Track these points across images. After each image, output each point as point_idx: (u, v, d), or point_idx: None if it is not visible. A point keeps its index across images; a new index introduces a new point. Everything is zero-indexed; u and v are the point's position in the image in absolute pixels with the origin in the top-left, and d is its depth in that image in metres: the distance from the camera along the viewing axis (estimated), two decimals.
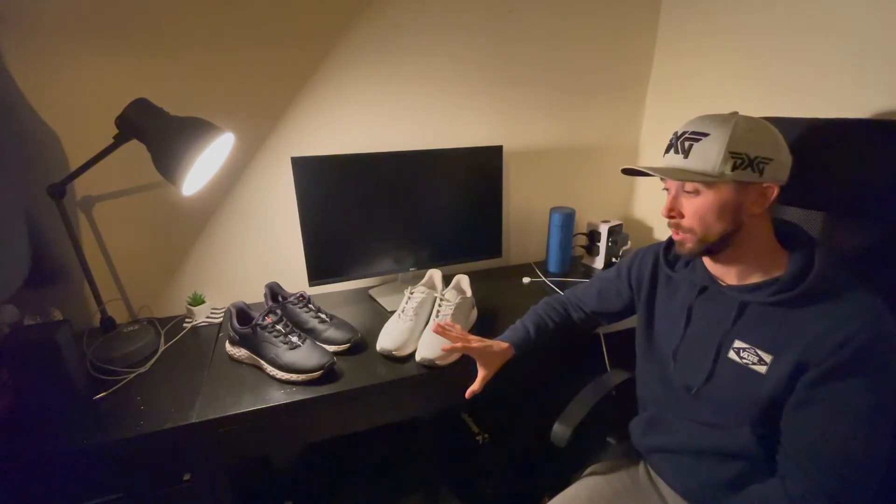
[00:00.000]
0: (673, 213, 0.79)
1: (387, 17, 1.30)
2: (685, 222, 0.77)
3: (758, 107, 0.76)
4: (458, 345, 0.95)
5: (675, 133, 0.78)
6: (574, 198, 1.71)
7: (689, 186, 0.75)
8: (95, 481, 0.90)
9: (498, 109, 1.51)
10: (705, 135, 0.73)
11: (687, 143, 0.75)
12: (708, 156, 0.72)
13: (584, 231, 1.63)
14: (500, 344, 1.01)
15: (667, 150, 0.79)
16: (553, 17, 1.46)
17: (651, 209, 1.77)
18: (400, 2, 1.30)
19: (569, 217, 1.53)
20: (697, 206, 0.75)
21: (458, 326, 1.01)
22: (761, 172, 0.71)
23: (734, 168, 0.71)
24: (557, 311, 1.10)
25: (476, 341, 0.98)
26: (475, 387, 0.97)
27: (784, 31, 1.19)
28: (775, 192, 0.73)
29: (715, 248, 0.77)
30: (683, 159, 0.75)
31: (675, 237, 0.81)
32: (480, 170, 1.41)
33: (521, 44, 1.46)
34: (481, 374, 0.98)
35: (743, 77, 1.32)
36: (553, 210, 1.54)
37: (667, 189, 0.80)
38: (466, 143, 1.48)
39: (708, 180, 0.72)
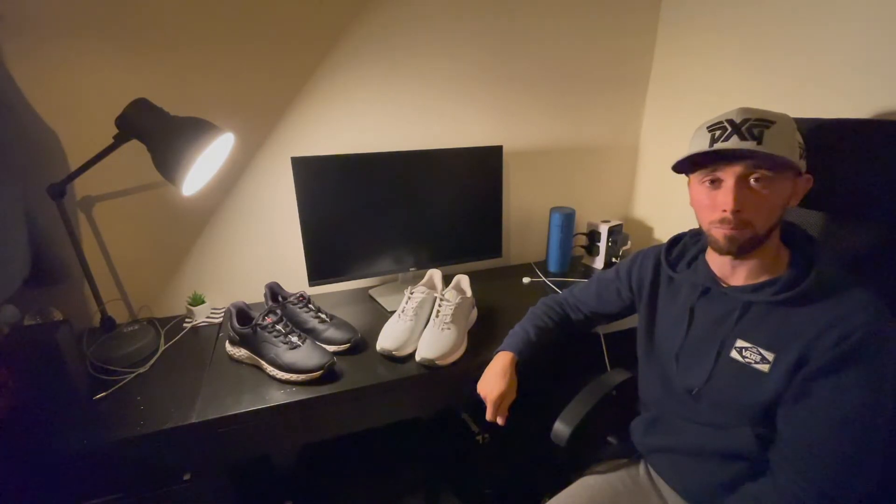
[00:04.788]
0: (741, 205, 0.71)
1: (387, 17, 1.30)
2: (747, 215, 0.71)
3: (759, 106, 0.76)
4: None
5: (729, 121, 0.71)
6: (574, 198, 1.71)
7: (758, 175, 0.70)
8: (95, 481, 0.90)
9: (498, 109, 1.51)
10: (772, 122, 0.69)
11: (756, 130, 0.69)
12: (783, 142, 0.68)
13: (584, 231, 1.62)
14: (503, 361, 0.99)
15: (722, 139, 0.71)
16: (553, 16, 1.46)
17: (651, 210, 1.77)
18: (400, 1, 1.30)
19: (569, 217, 1.53)
20: (768, 196, 0.70)
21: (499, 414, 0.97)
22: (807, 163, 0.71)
23: (800, 157, 0.70)
24: (556, 312, 1.09)
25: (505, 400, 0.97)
26: (501, 418, 0.96)
27: (785, 30, 1.19)
28: (811, 183, 0.73)
29: (759, 243, 0.73)
30: (756, 145, 0.68)
31: (727, 232, 0.73)
32: (480, 170, 1.41)
33: (521, 44, 1.46)
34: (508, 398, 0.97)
35: (744, 76, 1.32)
36: (553, 210, 1.54)
37: (714, 181, 0.74)
38: (466, 143, 1.48)
39: (795, 165, 0.69)
